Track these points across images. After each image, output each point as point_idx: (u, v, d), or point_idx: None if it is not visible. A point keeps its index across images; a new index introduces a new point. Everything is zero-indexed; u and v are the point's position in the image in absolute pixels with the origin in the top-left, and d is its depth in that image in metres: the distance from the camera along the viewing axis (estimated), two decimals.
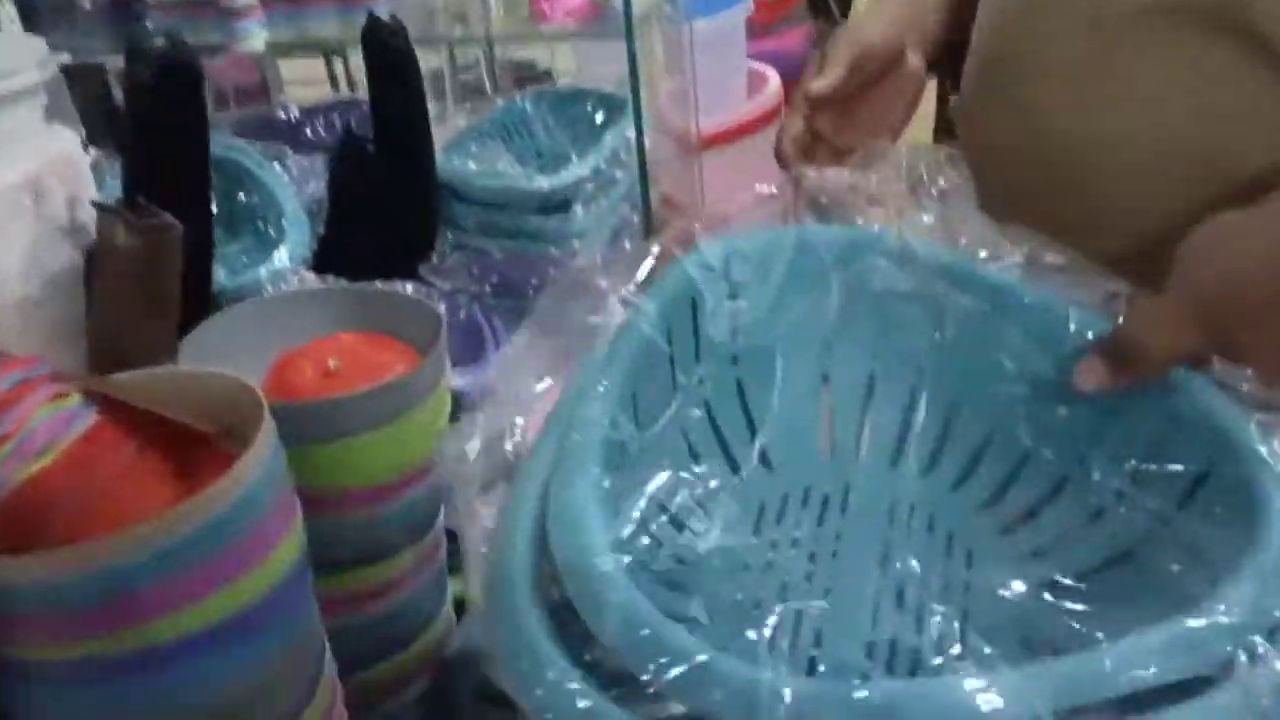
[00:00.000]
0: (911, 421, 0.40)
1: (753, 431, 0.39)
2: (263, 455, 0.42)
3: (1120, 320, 0.36)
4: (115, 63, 1.15)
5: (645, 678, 0.22)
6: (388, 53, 0.76)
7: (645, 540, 0.32)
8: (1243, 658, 0.23)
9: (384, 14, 0.77)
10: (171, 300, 0.49)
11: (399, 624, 0.59)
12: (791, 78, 0.94)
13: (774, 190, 0.44)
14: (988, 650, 0.30)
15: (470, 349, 0.75)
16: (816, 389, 0.41)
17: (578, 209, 0.84)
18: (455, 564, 0.61)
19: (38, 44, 0.58)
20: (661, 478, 0.34)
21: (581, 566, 0.24)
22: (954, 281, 0.39)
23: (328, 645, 0.51)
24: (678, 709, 0.22)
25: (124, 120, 0.63)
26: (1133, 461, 0.34)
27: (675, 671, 0.22)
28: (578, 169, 0.86)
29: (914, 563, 0.34)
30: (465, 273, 0.85)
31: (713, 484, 0.37)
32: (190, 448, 0.45)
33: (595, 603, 0.23)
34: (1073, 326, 0.36)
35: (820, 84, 0.56)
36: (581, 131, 0.99)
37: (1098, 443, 0.35)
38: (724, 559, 0.34)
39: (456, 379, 0.36)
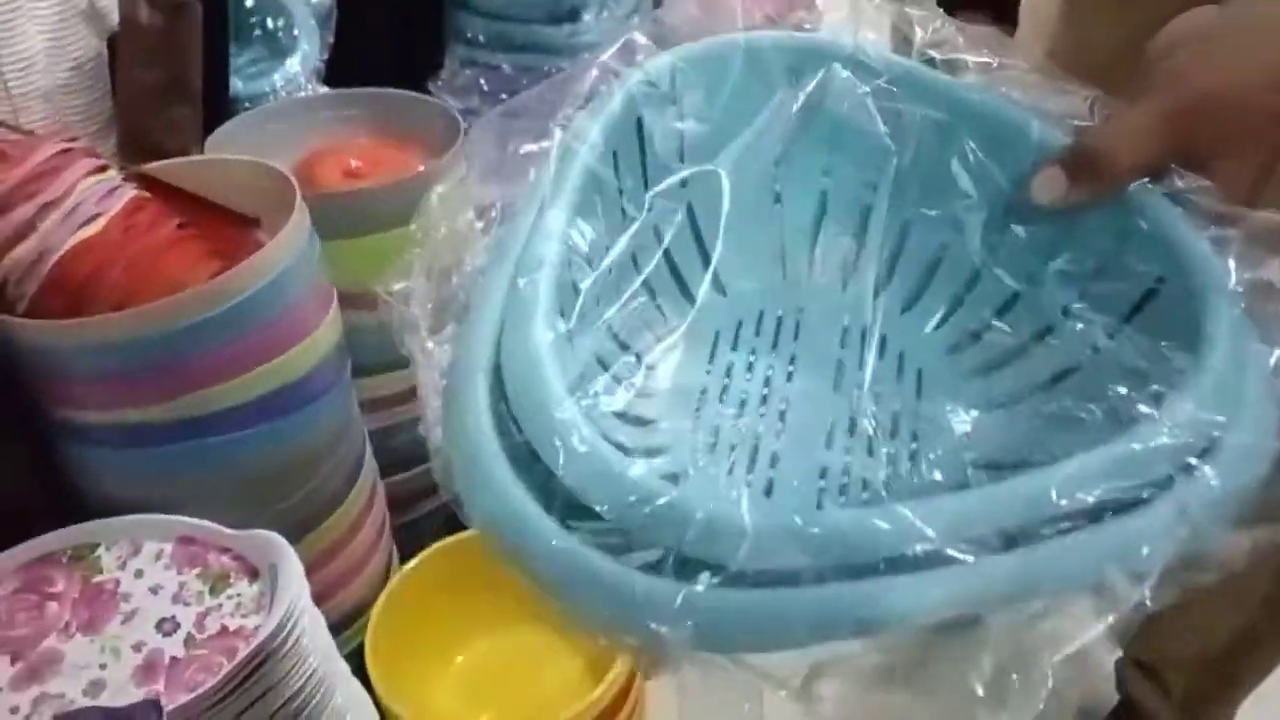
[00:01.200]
0: (864, 241, 0.39)
1: (705, 257, 0.38)
2: (298, 234, 0.43)
3: (1084, 129, 0.34)
4: None
5: (611, 518, 0.23)
6: None
7: (603, 377, 0.32)
8: (1177, 472, 0.24)
9: None
10: (195, 82, 0.49)
11: None
12: None
13: None
14: (937, 476, 0.31)
15: None
16: (769, 209, 0.39)
17: (587, 17, 0.81)
18: None
19: None
20: (616, 315, 0.34)
21: (541, 418, 0.25)
22: (912, 91, 0.37)
23: (368, 441, 0.53)
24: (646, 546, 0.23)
25: None
26: (1083, 277, 0.33)
27: (641, 511, 0.23)
28: None
29: (866, 385, 0.35)
30: (475, 90, 0.84)
31: (669, 316, 0.36)
32: (225, 234, 0.46)
33: (557, 450, 0.24)
34: (1034, 137, 0.34)
35: None
36: None
37: (1049, 259, 0.34)
38: (681, 390, 0.35)
39: (483, 189, 0.34)
